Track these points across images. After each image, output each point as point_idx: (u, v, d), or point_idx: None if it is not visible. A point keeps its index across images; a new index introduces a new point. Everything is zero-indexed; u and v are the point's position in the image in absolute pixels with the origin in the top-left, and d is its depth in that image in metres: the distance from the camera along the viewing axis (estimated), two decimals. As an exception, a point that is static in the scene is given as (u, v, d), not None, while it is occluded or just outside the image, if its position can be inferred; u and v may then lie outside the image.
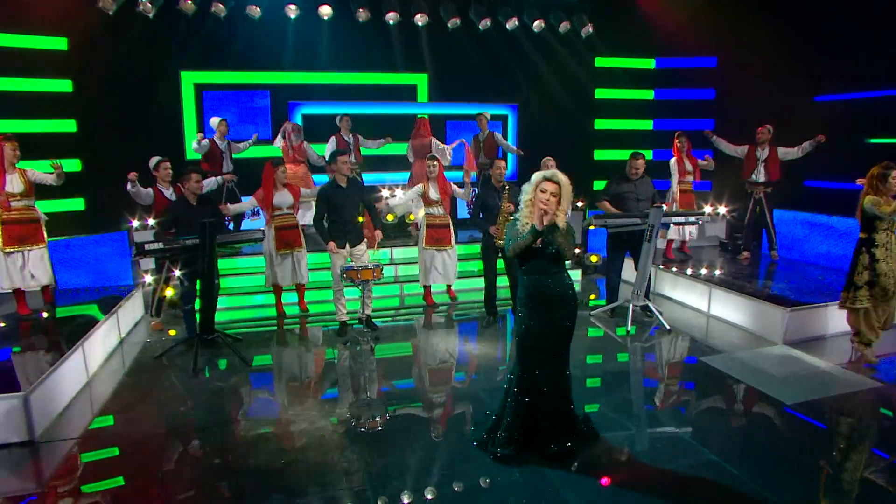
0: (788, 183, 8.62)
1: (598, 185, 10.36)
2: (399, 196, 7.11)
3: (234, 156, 8.29)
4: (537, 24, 9.23)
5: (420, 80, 10.01)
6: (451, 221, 6.81)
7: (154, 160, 6.43)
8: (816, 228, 7.96)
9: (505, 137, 10.36)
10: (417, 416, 4.48)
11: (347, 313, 6.21)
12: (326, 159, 8.10)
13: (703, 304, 6.84)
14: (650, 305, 6.32)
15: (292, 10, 8.61)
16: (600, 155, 10.52)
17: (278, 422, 4.36)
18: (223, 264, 7.60)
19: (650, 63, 10.42)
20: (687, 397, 4.81)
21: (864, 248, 5.21)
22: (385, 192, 7.07)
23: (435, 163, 6.65)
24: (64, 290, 7.11)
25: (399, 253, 8.16)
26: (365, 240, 6.11)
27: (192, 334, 5.62)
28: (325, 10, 8.52)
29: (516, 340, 3.73)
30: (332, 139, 8.51)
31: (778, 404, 4.52)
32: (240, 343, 5.88)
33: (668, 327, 6.18)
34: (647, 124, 10.52)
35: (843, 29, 8.35)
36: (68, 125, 8.29)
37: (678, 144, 7.96)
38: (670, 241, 8.21)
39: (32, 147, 7.97)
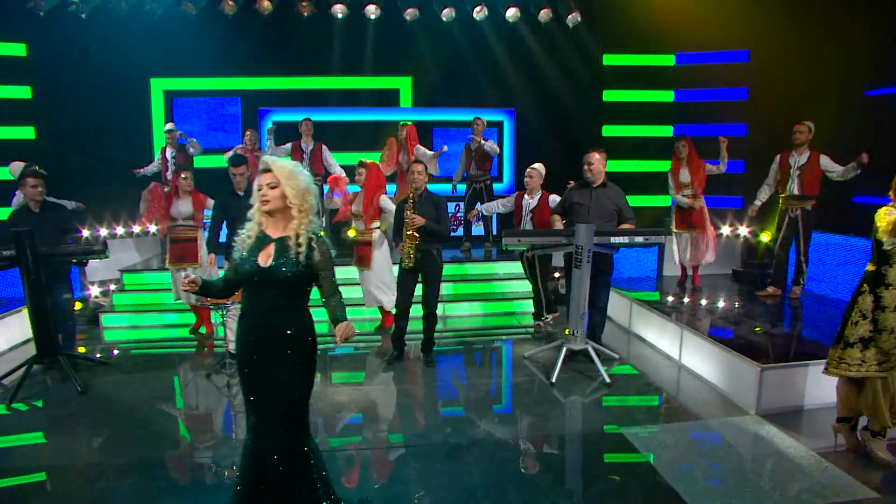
0: (830, 199, 6.87)
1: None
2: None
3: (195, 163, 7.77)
4: (511, 14, 8.03)
5: (403, 84, 9.12)
6: (373, 239, 5.83)
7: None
8: (857, 255, 6.17)
9: (501, 146, 9.25)
10: (178, 477, 3.52)
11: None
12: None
13: (674, 350, 5.35)
14: (590, 349, 4.95)
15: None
16: (611, 166, 8.89)
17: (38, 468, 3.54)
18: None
19: (669, 59, 8.87)
20: (547, 488, 3.47)
21: (868, 285, 3.59)
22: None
23: (362, 170, 5.73)
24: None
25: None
26: None
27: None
28: (265, 6, 7.85)
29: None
30: (288, 145, 7.80)
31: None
32: (101, 366, 5.25)
33: (607, 380, 4.79)
34: (665, 130, 8.93)
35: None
36: (26, 132, 8.15)
37: (676, 151, 6.48)
38: (692, 267, 6.72)
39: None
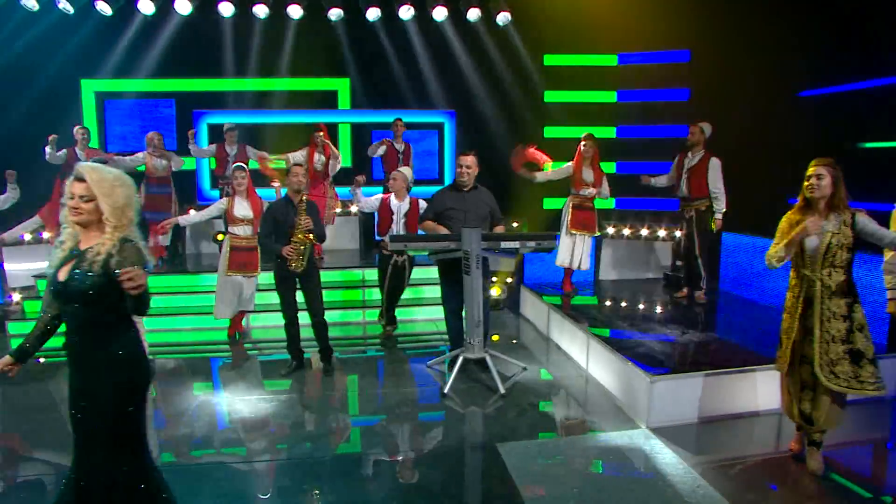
0: (764, 201, 6.69)
1: (549, 203, 8.78)
2: (193, 214, 6.05)
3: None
4: (439, 13, 7.84)
5: (342, 86, 8.93)
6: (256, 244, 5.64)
7: None
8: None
9: (442, 147, 9.08)
10: None
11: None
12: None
13: (582, 358, 5.15)
14: (488, 359, 4.74)
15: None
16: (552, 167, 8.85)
17: None
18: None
19: (611, 59, 8.69)
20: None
21: None
22: (192, 212, 6.03)
23: (243, 174, 5.53)
24: None
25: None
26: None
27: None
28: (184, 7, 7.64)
29: None
30: (213, 146, 7.63)
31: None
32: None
33: (502, 390, 4.58)
34: (608, 131, 8.73)
35: (834, 6, 6.37)
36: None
37: (582, 148, 6.29)
38: (569, 270, 6.48)
39: None
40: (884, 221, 3.76)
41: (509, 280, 7.64)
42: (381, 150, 7.48)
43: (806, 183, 3.36)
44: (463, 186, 4.78)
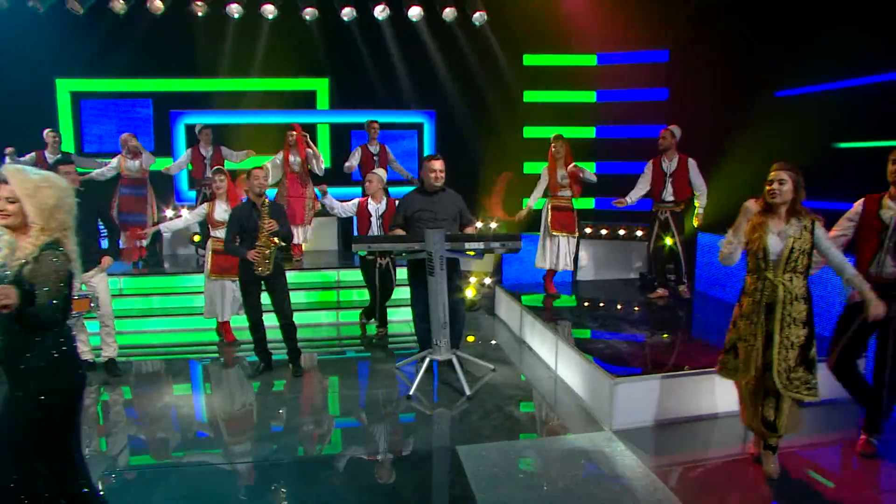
0: (738, 202, 6.68)
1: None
2: (175, 221, 6.00)
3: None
4: (415, 13, 7.80)
5: (320, 86, 8.88)
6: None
7: None
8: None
9: (421, 148, 9.04)
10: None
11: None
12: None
13: (552, 360, 5.12)
14: (454, 360, 4.70)
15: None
16: (531, 168, 8.81)
17: None
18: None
19: (591, 59, 8.65)
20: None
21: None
22: (168, 212, 5.96)
23: (223, 177, 5.49)
24: None
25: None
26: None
27: None
28: (156, 5, 7.56)
29: None
30: (188, 152, 7.58)
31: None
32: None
33: (468, 392, 4.53)
34: (588, 132, 8.71)
35: (811, 7, 6.35)
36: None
37: (553, 150, 6.28)
38: (551, 272, 6.46)
39: None
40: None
41: (487, 281, 7.60)
42: (355, 161, 7.44)
43: (767, 188, 3.28)
44: (433, 190, 4.75)
